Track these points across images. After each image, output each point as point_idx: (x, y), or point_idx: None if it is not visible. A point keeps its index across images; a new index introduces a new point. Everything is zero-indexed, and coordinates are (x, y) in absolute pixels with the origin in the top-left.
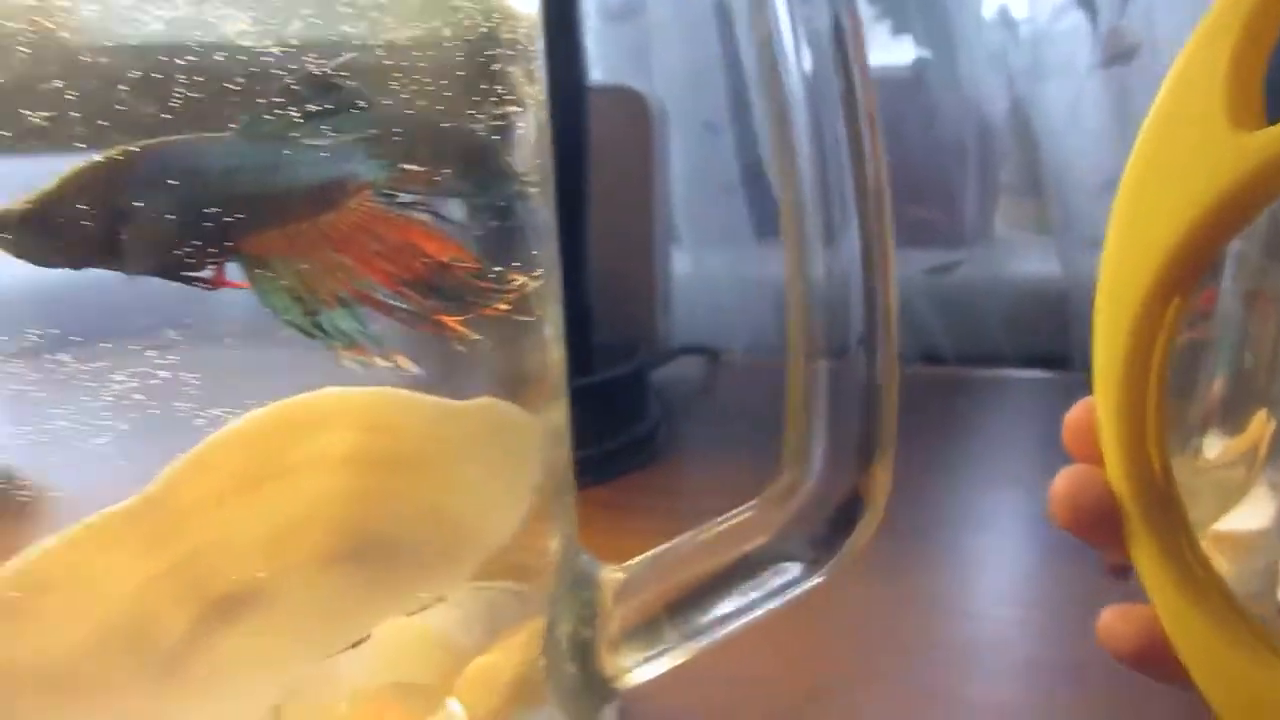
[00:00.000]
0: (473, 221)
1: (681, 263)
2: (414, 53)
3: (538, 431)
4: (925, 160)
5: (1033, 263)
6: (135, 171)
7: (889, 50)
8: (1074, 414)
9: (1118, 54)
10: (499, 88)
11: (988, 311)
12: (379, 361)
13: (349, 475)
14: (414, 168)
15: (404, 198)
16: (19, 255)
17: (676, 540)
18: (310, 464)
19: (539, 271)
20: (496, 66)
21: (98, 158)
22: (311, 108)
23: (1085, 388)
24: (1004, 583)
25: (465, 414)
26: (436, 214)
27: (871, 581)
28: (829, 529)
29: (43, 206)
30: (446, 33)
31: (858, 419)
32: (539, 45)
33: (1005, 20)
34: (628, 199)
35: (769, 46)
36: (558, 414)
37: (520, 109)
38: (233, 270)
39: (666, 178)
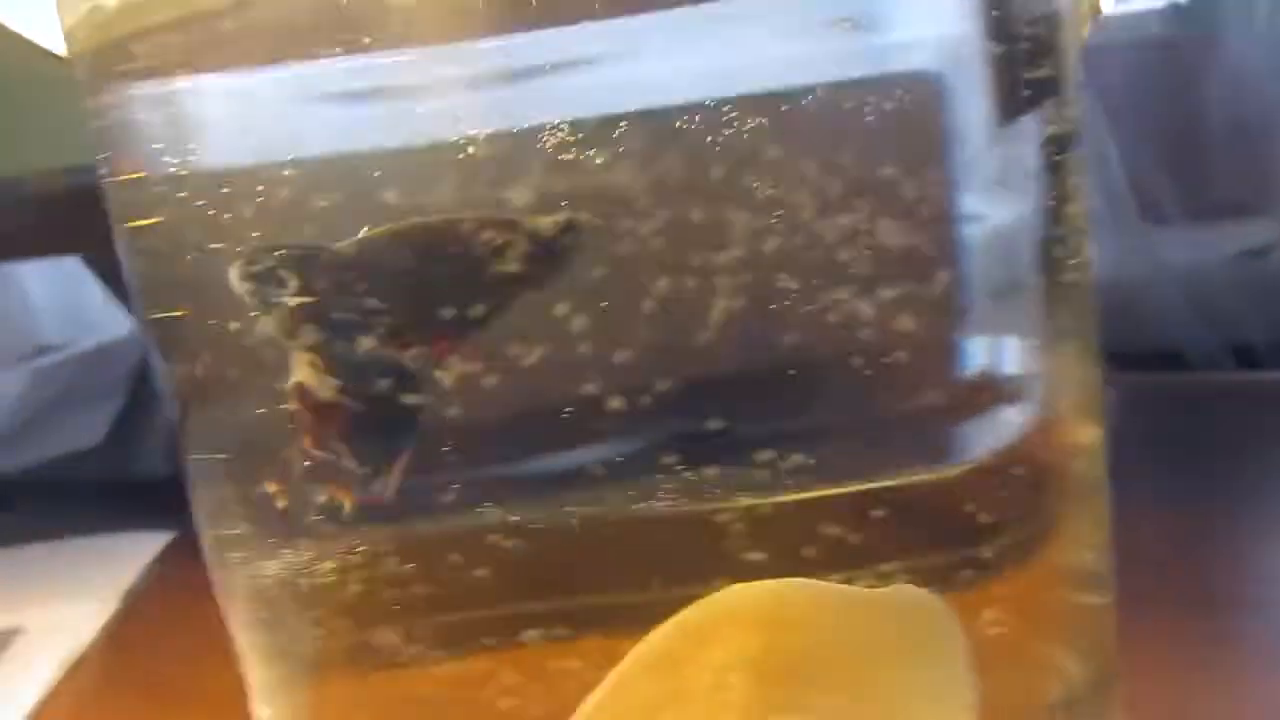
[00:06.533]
0: None
1: None
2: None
3: (958, 623)
4: (1231, 123)
5: None
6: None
7: None
8: None
9: None
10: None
11: None
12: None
13: (750, 684)
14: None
15: None
16: None
17: None
18: (707, 680)
19: None
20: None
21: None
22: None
23: None
24: None
25: (876, 603)
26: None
27: None
28: None
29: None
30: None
31: None
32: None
33: None
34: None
35: None
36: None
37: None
38: None
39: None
